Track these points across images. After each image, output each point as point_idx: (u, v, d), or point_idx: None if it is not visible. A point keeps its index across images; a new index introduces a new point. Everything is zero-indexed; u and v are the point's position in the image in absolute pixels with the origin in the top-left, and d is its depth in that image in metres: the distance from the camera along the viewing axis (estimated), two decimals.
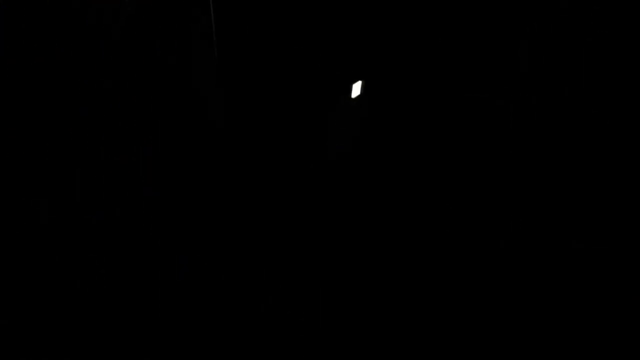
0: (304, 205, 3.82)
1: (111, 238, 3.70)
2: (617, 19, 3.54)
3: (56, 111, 3.66)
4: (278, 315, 3.67)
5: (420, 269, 3.72)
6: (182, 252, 3.75)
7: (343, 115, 3.79)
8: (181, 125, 3.75)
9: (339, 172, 3.79)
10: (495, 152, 3.72)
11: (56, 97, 3.65)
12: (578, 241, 3.56)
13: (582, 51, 3.61)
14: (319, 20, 3.73)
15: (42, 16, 3.56)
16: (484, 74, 3.72)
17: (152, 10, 3.64)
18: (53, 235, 3.65)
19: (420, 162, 3.80)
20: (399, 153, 3.83)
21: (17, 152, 3.66)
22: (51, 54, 3.58)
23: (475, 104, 3.74)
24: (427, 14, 3.75)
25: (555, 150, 3.67)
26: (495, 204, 3.72)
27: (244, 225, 3.78)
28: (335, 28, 3.76)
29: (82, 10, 3.55)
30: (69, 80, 3.63)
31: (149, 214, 3.74)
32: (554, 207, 3.64)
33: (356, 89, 3.38)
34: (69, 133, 3.67)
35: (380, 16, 3.78)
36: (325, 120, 3.78)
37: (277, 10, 3.73)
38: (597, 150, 3.60)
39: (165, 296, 3.66)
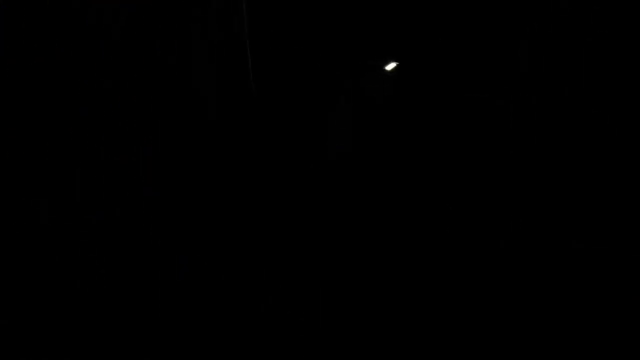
0: (303, 205, 3.82)
1: (111, 238, 3.70)
2: (617, 19, 3.54)
3: (56, 111, 3.65)
4: (278, 315, 3.67)
5: (420, 269, 3.72)
6: (182, 252, 3.75)
7: (343, 115, 3.79)
8: (181, 125, 3.75)
9: (338, 172, 3.79)
10: (495, 152, 3.72)
11: (56, 97, 3.64)
12: (578, 241, 3.56)
13: (582, 51, 3.60)
14: (318, 21, 3.73)
15: (42, 16, 3.56)
16: (484, 74, 3.72)
17: (152, 10, 3.64)
18: (53, 235, 3.65)
19: (419, 163, 3.80)
20: (398, 153, 3.83)
21: (17, 152, 3.66)
22: (51, 54, 3.58)
23: (475, 104, 3.74)
24: (425, 14, 3.75)
25: (555, 151, 3.66)
26: (495, 204, 3.71)
27: (243, 225, 3.77)
28: (333, 27, 3.76)
29: (82, 10, 3.55)
30: (69, 80, 3.63)
31: (149, 214, 3.74)
32: (554, 207, 3.64)
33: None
34: (69, 133, 3.67)
35: (379, 16, 3.78)
36: (325, 120, 3.78)
37: (278, 10, 3.73)
38: (597, 150, 3.60)
39: (165, 296, 3.66)
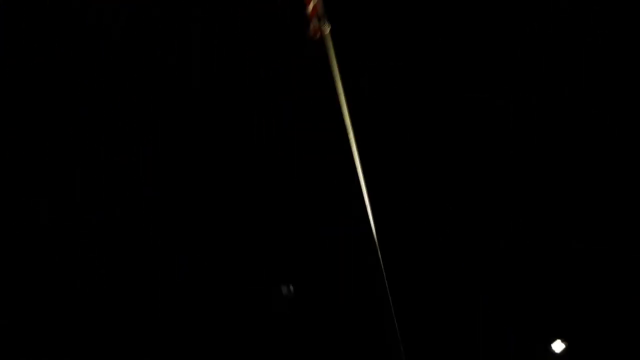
0: (303, 204, 3.82)
1: (111, 238, 3.69)
2: (617, 19, 3.54)
3: (56, 111, 3.65)
4: (278, 315, 3.67)
5: (421, 268, 3.72)
6: (182, 252, 3.75)
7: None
8: (181, 125, 3.75)
9: (339, 170, 3.78)
10: (495, 152, 3.72)
11: (56, 97, 3.64)
12: (578, 241, 3.56)
13: (582, 51, 3.60)
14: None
15: (42, 16, 3.56)
16: (484, 74, 3.72)
17: (152, 10, 3.64)
18: (53, 235, 3.65)
19: (419, 162, 3.80)
20: (398, 153, 3.82)
21: (17, 152, 3.66)
22: (51, 54, 3.58)
23: (475, 104, 3.74)
24: (426, 14, 3.75)
25: (555, 150, 3.66)
26: (495, 204, 3.71)
27: (243, 226, 3.77)
28: (333, 27, 3.76)
29: (82, 10, 3.55)
30: (69, 80, 3.63)
31: (149, 214, 3.74)
32: (554, 207, 3.64)
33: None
34: (69, 133, 3.67)
35: (380, 16, 3.78)
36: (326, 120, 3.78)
37: (279, 10, 3.72)
38: (597, 150, 3.60)
39: (165, 296, 3.66)
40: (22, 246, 3.67)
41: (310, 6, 2.61)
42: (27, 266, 3.65)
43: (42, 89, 3.68)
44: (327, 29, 2.69)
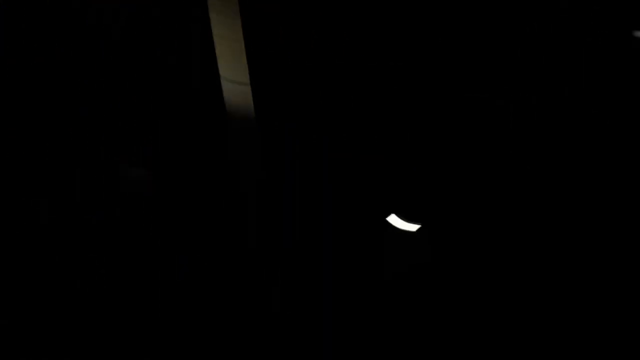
0: (303, 204, 3.82)
1: (111, 238, 3.70)
2: (617, 19, 3.54)
3: (56, 111, 3.66)
4: (278, 315, 3.68)
5: (420, 268, 3.72)
6: (182, 252, 3.75)
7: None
8: (181, 125, 3.76)
9: (337, 171, 3.79)
10: (495, 152, 3.72)
11: (56, 97, 3.65)
12: (578, 241, 3.56)
13: (582, 51, 3.60)
14: (317, 21, 3.74)
15: (42, 16, 3.56)
16: (484, 74, 3.72)
17: (152, 10, 3.65)
18: (53, 235, 3.65)
19: (419, 162, 3.80)
20: (398, 153, 3.83)
21: (17, 152, 3.66)
22: (51, 54, 3.59)
23: (475, 104, 3.74)
24: (426, 13, 3.76)
25: (555, 150, 3.66)
26: (495, 204, 3.72)
27: (244, 226, 3.78)
28: (333, 28, 3.76)
29: (82, 10, 3.55)
30: (69, 80, 3.64)
31: (149, 214, 3.74)
32: (554, 206, 3.64)
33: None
34: (69, 133, 3.67)
35: (380, 16, 3.78)
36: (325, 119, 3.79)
37: (277, 11, 3.73)
38: (597, 150, 3.60)
39: (165, 296, 3.67)
40: (22, 246, 3.67)
41: None
42: (27, 266, 3.65)
43: (42, 89, 3.69)
44: None
